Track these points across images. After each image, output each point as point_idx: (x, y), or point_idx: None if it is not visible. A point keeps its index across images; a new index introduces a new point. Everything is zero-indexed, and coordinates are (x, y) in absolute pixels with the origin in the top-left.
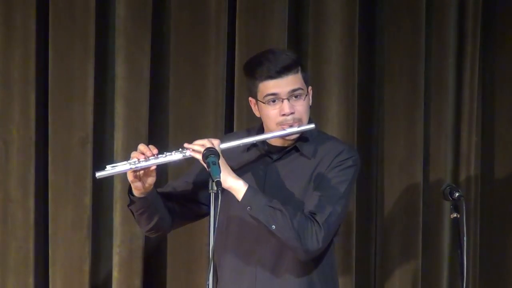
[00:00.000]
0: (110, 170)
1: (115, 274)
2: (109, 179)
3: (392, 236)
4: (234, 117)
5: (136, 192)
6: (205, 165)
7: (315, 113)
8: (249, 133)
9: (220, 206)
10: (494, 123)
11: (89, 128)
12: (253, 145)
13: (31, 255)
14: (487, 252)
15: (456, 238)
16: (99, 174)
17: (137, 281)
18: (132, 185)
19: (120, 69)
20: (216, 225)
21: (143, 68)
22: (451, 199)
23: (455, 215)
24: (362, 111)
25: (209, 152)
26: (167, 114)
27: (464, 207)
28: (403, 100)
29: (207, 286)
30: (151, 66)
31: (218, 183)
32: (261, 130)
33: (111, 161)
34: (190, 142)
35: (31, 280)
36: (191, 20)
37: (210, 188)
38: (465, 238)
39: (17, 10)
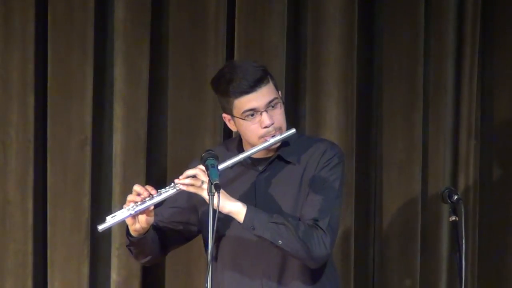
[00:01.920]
0: (110, 221)
1: (114, 276)
2: (108, 179)
3: (390, 239)
4: None
5: (134, 234)
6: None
7: (313, 116)
8: (227, 148)
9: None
10: (493, 126)
11: (88, 130)
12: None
13: (30, 257)
14: (486, 255)
15: (455, 241)
16: (101, 227)
17: (136, 284)
18: (130, 228)
19: (119, 71)
20: (215, 228)
21: (142, 70)
22: (449, 202)
23: (453, 218)
24: (361, 113)
25: (208, 155)
26: (166, 116)
27: (462, 210)
28: (402, 103)
29: None
30: (150, 68)
31: (217, 186)
32: (240, 144)
33: (110, 162)
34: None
35: (29, 283)
36: (190, 22)
37: (208, 191)
38: (463, 241)
39: (16, 12)
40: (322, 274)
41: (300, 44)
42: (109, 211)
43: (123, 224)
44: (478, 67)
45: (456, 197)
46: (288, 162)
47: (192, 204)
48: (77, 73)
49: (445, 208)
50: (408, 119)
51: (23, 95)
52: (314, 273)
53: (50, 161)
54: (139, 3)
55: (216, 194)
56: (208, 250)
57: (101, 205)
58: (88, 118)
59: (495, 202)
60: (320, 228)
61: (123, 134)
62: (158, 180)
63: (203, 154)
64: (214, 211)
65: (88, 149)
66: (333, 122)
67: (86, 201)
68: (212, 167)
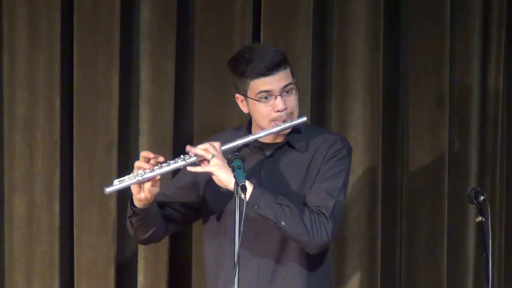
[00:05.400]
0: (118, 184)
1: (140, 278)
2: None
3: (417, 240)
4: None
5: (138, 204)
6: (204, 169)
7: (339, 116)
8: (236, 133)
9: (216, 209)
10: None
11: (114, 132)
12: (244, 144)
13: (56, 259)
14: None
15: (481, 242)
16: (108, 190)
17: (163, 285)
18: (135, 196)
19: (145, 73)
20: (241, 229)
21: (168, 72)
22: (476, 202)
23: (480, 219)
24: (387, 114)
25: (234, 157)
26: (192, 117)
27: (489, 211)
28: (428, 103)
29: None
30: (176, 69)
31: (243, 188)
32: (249, 129)
33: None
34: None
35: (56, 285)
36: (216, 23)
37: (235, 192)
38: (490, 242)
39: (42, 14)
40: (320, 264)
41: (326, 44)
42: None
43: None
44: (504, 68)
45: (482, 197)
46: (296, 149)
47: (195, 185)
48: (103, 75)
49: (472, 208)
50: (434, 119)
51: (49, 98)
52: (312, 260)
53: (76, 163)
54: (164, 4)
55: (243, 195)
56: (206, 226)
57: (127, 207)
58: (114, 120)
59: None
60: (324, 215)
61: (149, 136)
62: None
63: (229, 156)
64: (241, 214)
65: (114, 151)
66: (359, 122)
67: (113, 204)
68: (238, 168)
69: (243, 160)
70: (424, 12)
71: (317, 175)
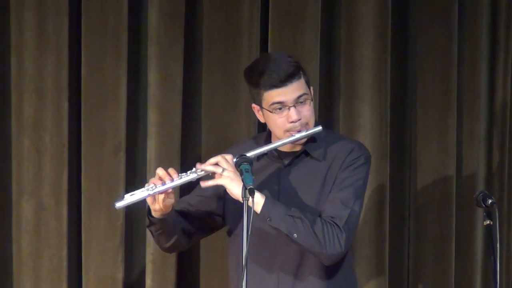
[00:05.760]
0: (129, 199)
1: (148, 282)
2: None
3: (425, 242)
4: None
5: (155, 214)
6: (215, 182)
7: (347, 119)
8: (256, 142)
9: (237, 217)
10: None
11: (122, 135)
12: (263, 153)
13: (64, 263)
14: None
15: (489, 245)
16: (118, 204)
17: None
18: (151, 207)
19: (152, 77)
20: (249, 232)
21: (176, 76)
22: (484, 206)
23: (488, 222)
24: (395, 117)
25: (242, 160)
26: (199, 121)
27: (497, 214)
28: (436, 106)
29: None
30: (184, 73)
31: (251, 191)
32: (269, 137)
33: (144, 168)
34: (223, 148)
35: None
36: (224, 27)
37: (242, 196)
38: (498, 245)
39: (50, 17)
40: (339, 272)
41: (334, 48)
42: (143, 217)
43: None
44: None
45: (490, 201)
46: (313, 158)
47: (218, 193)
48: (111, 79)
49: (480, 212)
50: (442, 122)
51: (57, 101)
52: (331, 271)
53: (84, 166)
54: (172, 8)
55: (250, 199)
56: (229, 233)
57: (135, 211)
58: (122, 124)
59: None
60: (337, 225)
61: (157, 139)
62: (192, 185)
63: (236, 159)
64: (249, 215)
65: (122, 155)
66: (367, 125)
67: None
68: (246, 172)
69: (251, 163)
70: (432, 15)
71: (333, 184)
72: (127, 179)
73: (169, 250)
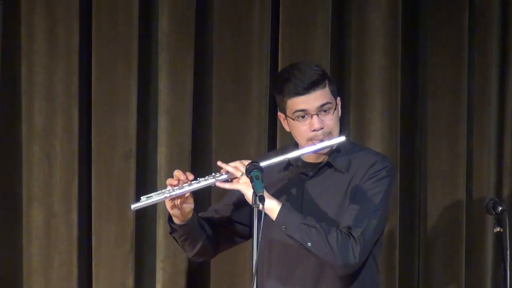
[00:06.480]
0: (145, 201)
1: None
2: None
3: (435, 250)
4: (277, 130)
5: (176, 220)
6: (232, 187)
7: (357, 126)
8: (284, 151)
9: (262, 230)
10: None
11: (133, 142)
12: (289, 163)
13: (75, 269)
14: None
15: (500, 252)
16: (134, 206)
17: None
18: (170, 212)
19: (163, 83)
20: (259, 239)
21: (186, 82)
22: (494, 213)
23: (498, 230)
24: (405, 124)
25: (252, 167)
26: (210, 128)
27: (507, 221)
28: (446, 114)
29: None
30: (194, 80)
31: (261, 198)
32: (296, 147)
33: (155, 175)
34: (234, 155)
35: None
36: (234, 34)
37: (253, 203)
38: (508, 253)
39: (60, 24)
40: (360, 284)
41: (344, 55)
42: (154, 223)
43: (169, 236)
44: None
45: (500, 208)
46: (337, 170)
47: (245, 202)
48: (122, 85)
49: (490, 219)
50: (453, 129)
51: (67, 108)
52: (351, 283)
53: (94, 173)
54: (183, 15)
55: (260, 206)
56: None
57: (146, 217)
58: (133, 130)
59: None
60: (352, 236)
61: (168, 146)
62: (203, 192)
63: (247, 166)
64: (259, 220)
65: (132, 161)
66: (377, 133)
67: (131, 213)
68: (256, 179)
69: (261, 170)
70: (442, 23)
71: (354, 195)
72: (137, 186)
73: (195, 257)
